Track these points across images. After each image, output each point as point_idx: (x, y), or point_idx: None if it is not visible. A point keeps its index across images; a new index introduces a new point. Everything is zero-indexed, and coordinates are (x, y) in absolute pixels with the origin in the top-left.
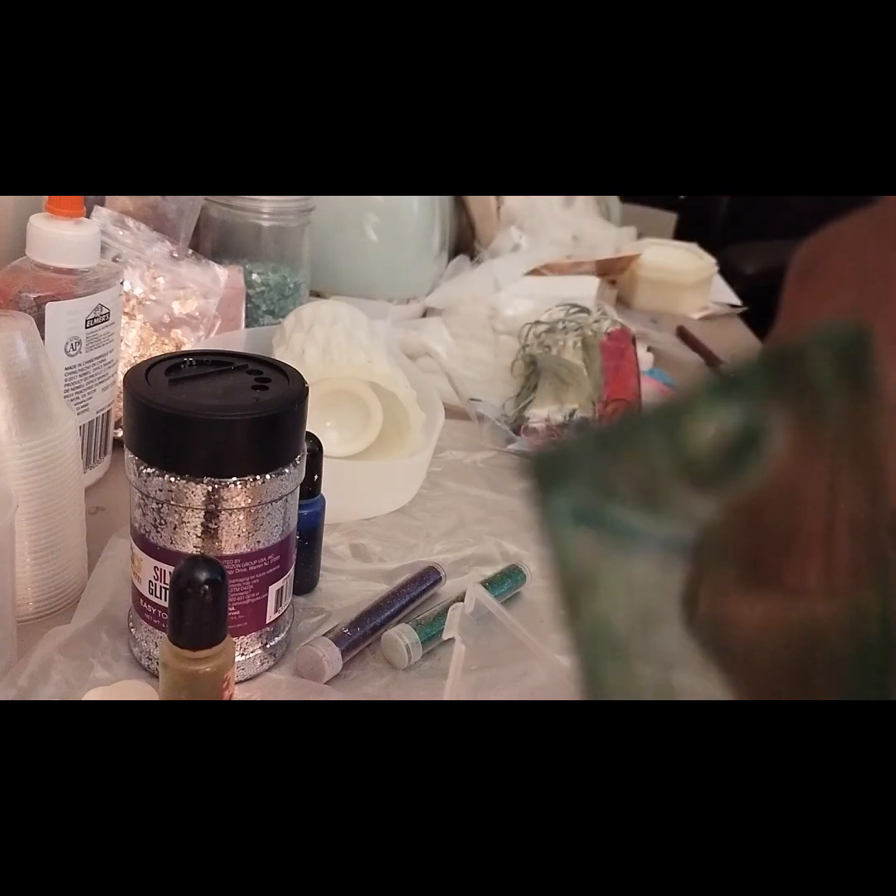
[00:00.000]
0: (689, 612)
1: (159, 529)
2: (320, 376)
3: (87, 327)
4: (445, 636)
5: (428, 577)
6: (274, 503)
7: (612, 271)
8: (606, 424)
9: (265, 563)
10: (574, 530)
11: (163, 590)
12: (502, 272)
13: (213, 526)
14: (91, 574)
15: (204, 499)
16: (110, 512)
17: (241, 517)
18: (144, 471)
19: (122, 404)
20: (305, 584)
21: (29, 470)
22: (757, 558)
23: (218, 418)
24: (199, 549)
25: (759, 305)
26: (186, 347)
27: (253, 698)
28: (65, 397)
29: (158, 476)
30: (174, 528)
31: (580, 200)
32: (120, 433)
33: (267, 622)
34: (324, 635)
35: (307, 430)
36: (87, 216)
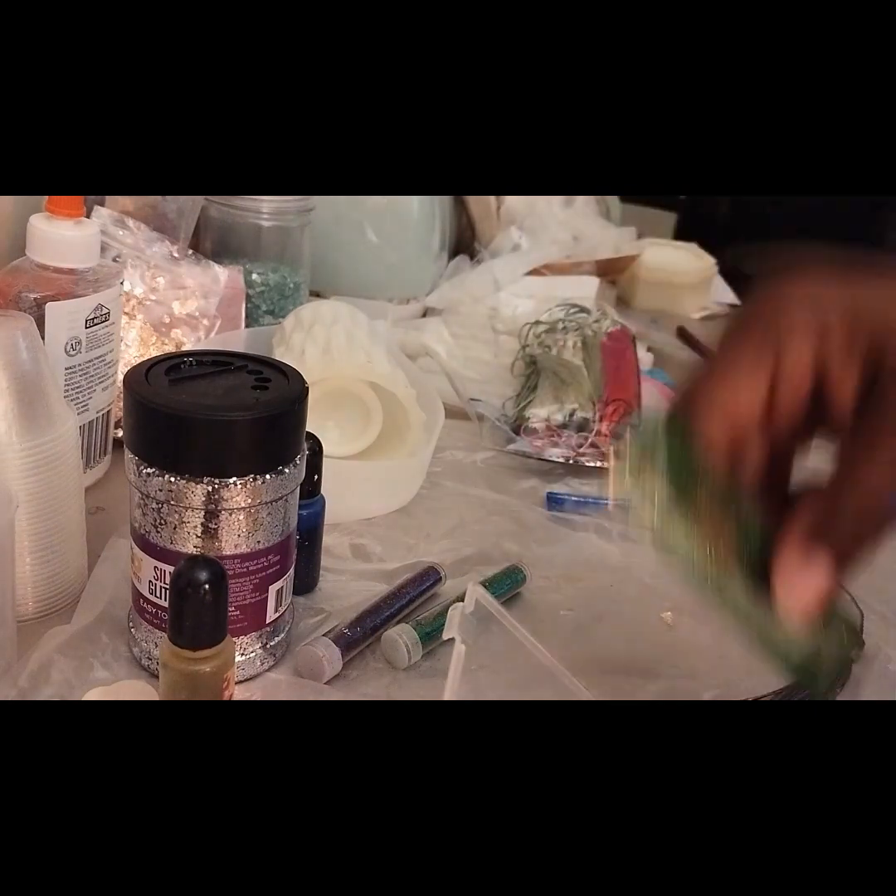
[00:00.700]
0: None
1: (159, 529)
2: (320, 376)
3: (87, 327)
4: (445, 636)
5: (428, 577)
6: (274, 503)
7: (612, 271)
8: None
9: (265, 563)
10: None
11: (163, 590)
12: (502, 272)
13: (213, 526)
14: (91, 574)
15: (204, 499)
16: (110, 512)
17: (241, 517)
18: (144, 471)
19: (122, 404)
20: (305, 584)
21: (29, 470)
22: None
23: (218, 418)
24: (199, 549)
25: None
26: (186, 347)
27: (253, 698)
28: (65, 397)
29: (158, 476)
30: (174, 528)
31: (580, 200)
32: (120, 433)
33: (267, 622)
34: (324, 635)
35: (307, 430)
36: (87, 216)
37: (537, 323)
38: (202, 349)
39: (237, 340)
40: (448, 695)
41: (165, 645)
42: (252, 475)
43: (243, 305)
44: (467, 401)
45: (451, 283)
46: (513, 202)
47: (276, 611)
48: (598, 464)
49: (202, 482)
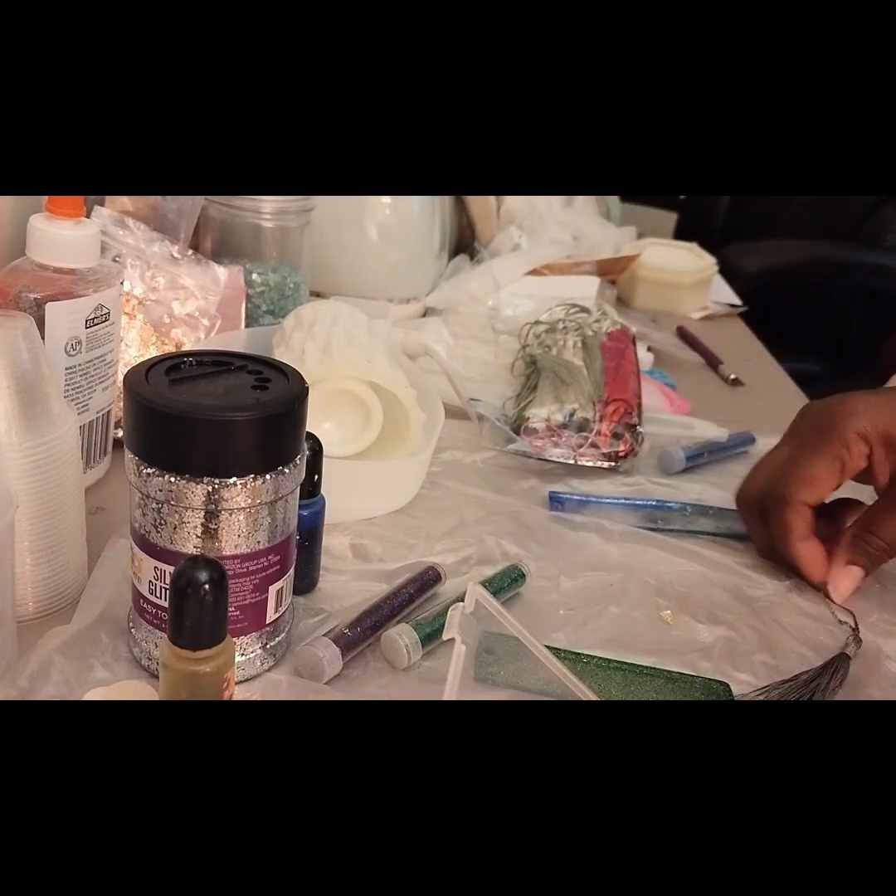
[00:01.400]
0: None
1: (159, 529)
2: (320, 376)
3: (87, 327)
4: (445, 636)
5: (428, 577)
6: (274, 503)
7: (612, 271)
8: None
9: (265, 564)
10: None
11: (163, 590)
12: (502, 272)
13: (213, 526)
14: (91, 574)
15: (204, 499)
16: (110, 512)
17: (241, 517)
18: (144, 471)
19: (122, 404)
20: (305, 584)
21: (29, 470)
22: None
23: (218, 418)
24: (199, 549)
25: (759, 305)
26: (186, 347)
27: (253, 698)
28: (65, 397)
29: (158, 476)
30: (174, 529)
31: (580, 200)
32: (120, 433)
33: (267, 622)
34: (324, 635)
35: (307, 430)
36: (87, 216)
37: (537, 323)
38: (202, 349)
39: (237, 340)
40: (448, 695)
41: (165, 645)
42: (252, 475)
43: (243, 305)
44: (467, 401)
45: (451, 283)
46: (513, 202)
47: (276, 611)
48: (598, 464)
49: (202, 482)
